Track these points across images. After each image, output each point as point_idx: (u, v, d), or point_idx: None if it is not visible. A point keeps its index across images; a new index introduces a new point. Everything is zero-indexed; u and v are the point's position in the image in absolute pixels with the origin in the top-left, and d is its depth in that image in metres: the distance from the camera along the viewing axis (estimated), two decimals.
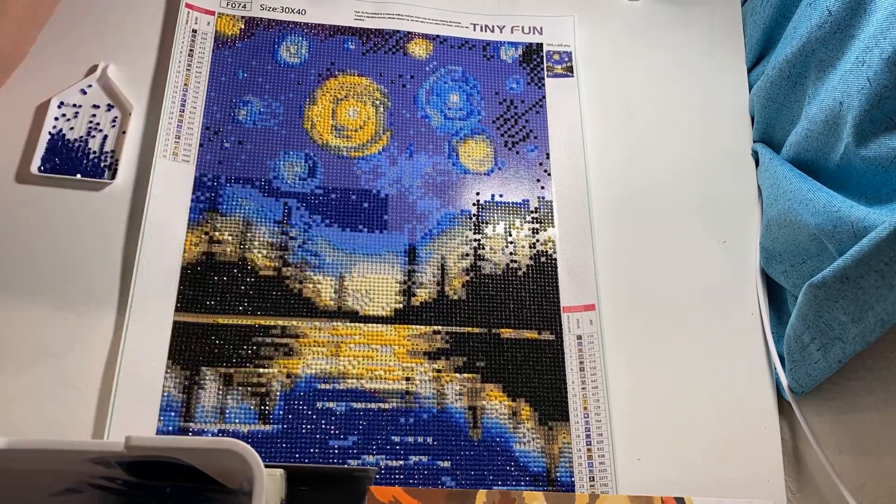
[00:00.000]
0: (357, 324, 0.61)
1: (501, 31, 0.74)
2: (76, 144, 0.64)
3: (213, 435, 0.56)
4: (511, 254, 0.65)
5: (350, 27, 0.72)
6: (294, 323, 0.61)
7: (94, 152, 0.64)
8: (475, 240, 0.66)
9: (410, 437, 0.58)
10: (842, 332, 0.53)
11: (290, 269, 0.62)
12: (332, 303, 0.62)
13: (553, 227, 0.66)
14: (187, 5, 0.69)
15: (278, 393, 0.58)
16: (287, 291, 0.62)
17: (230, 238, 0.63)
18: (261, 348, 0.60)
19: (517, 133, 0.70)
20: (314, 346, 0.60)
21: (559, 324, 0.63)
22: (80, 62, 0.67)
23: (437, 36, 0.73)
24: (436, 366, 0.61)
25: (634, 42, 0.75)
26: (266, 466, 0.39)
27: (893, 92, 0.50)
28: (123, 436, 0.39)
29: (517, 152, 0.69)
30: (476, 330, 0.62)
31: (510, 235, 0.66)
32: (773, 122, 0.68)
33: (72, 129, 0.64)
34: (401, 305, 0.62)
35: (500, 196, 0.67)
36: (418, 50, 0.72)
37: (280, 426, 0.58)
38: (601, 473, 0.58)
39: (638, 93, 0.73)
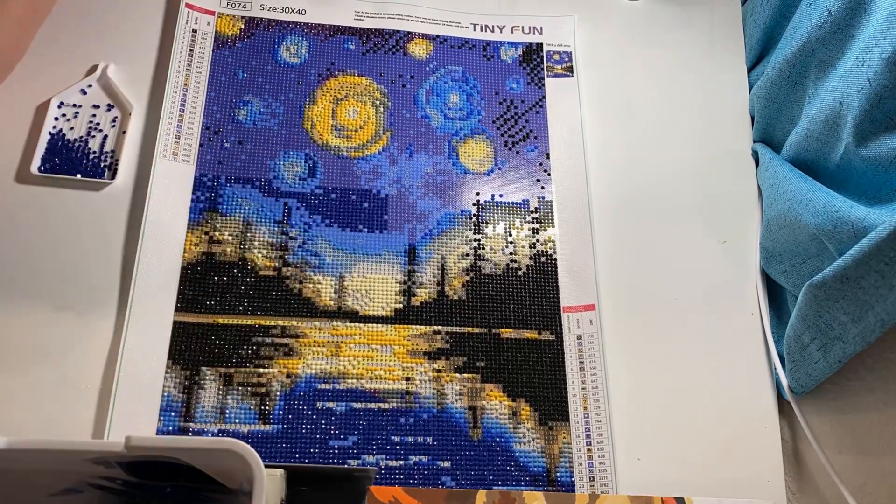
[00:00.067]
0: (357, 324, 0.61)
1: (501, 31, 0.74)
2: (76, 144, 0.64)
3: (213, 435, 0.56)
4: (511, 254, 0.65)
5: (350, 27, 0.72)
6: (294, 323, 0.61)
7: (94, 152, 0.64)
8: (475, 240, 0.66)
9: (410, 437, 0.58)
10: (842, 332, 0.53)
11: (290, 269, 0.62)
12: (332, 303, 0.62)
13: (553, 227, 0.66)
14: (187, 5, 0.69)
15: (278, 393, 0.58)
16: (287, 291, 0.62)
17: (230, 238, 0.63)
18: (261, 348, 0.60)
19: (517, 133, 0.70)
20: (314, 346, 0.60)
21: (559, 324, 0.63)
22: (80, 62, 0.67)
23: (437, 36, 0.73)
24: (436, 366, 0.61)
25: (634, 42, 0.75)
26: (266, 466, 0.39)
27: (893, 92, 0.50)
28: (123, 436, 0.39)
29: (517, 152, 0.69)
30: (476, 330, 0.62)
31: (510, 235, 0.66)
32: (773, 122, 0.68)
33: (72, 129, 0.64)
34: (401, 305, 0.62)
35: (500, 196, 0.67)
36: (418, 50, 0.72)
37: (280, 426, 0.58)
38: (601, 473, 0.58)
39: (638, 93, 0.73)
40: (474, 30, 0.74)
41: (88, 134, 0.64)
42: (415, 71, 0.71)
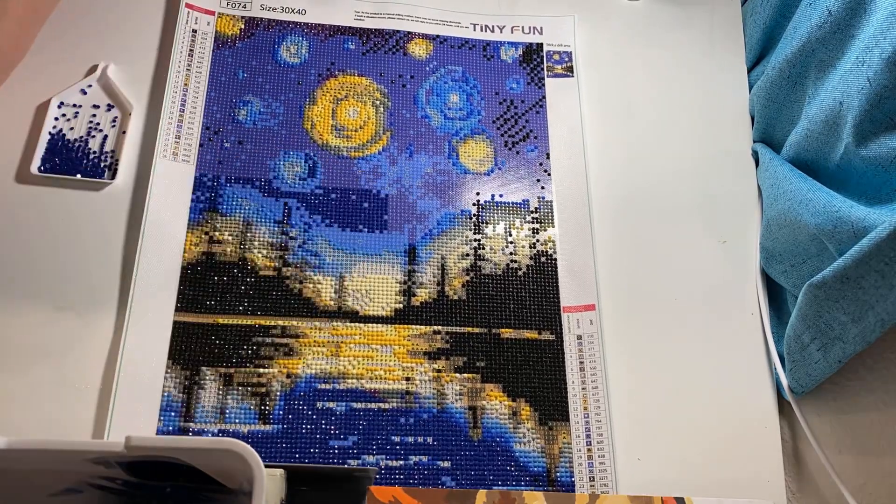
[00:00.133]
0: (357, 324, 0.61)
1: (501, 31, 0.74)
2: (76, 144, 0.64)
3: (213, 435, 0.56)
4: (511, 254, 0.65)
5: (350, 27, 0.72)
6: (294, 323, 0.61)
7: (94, 152, 0.64)
8: (475, 240, 0.66)
9: (410, 437, 0.58)
10: (842, 332, 0.53)
11: (290, 269, 0.62)
12: (332, 303, 0.62)
13: (553, 227, 0.66)
14: (187, 5, 0.69)
15: (278, 393, 0.58)
16: (287, 291, 0.62)
17: (230, 238, 0.63)
18: (261, 348, 0.60)
19: (517, 133, 0.70)
20: (314, 346, 0.60)
21: (559, 324, 0.63)
22: (80, 62, 0.67)
23: (437, 36, 0.73)
24: (436, 366, 0.61)
25: (634, 42, 0.75)
26: (266, 466, 0.39)
27: (893, 92, 0.50)
28: (123, 436, 0.39)
29: (517, 152, 0.69)
30: (476, 330, 0.62)
31: (510, 235, 0.66)
32: (773, 122, 0.68)
33: (72, 129, 0.64)
34: (401, 305, 0.62)
35: (500, 196, 0.67)
36: (418, 50, 0.72)
37: (280, 426, 0.58)
38: (601, 473, 0.58)
39: (638, 93, 0.73)
40: (474, 30, 0.74)
41: (88, 134, 0.64)
42: (415, 71, 0.71)
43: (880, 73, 0.50)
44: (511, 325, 0.63)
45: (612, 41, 0.75)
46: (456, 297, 0.63)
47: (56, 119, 0.64)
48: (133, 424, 0.55)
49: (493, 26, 0.74)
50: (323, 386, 0.59)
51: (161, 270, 0.60)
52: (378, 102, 0.70)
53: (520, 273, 0.65)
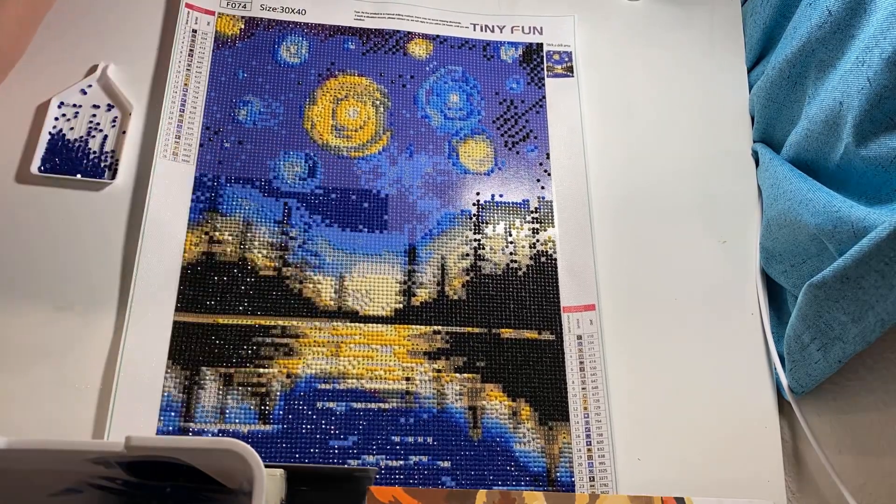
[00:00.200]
0: (357, 324, 0.61)
1: (501, 31, 0.74)
2: (76, 144, 0.64)
3: (213, 435, 0.56)
4: (511, 254, 0.65)
5: (350, 27, 0.72)
6: (294, 323, 0.61)
7: (94, 152, 0.64)
8: (475, 240, 0.66)
9: (410, 437, 0.58)
10: (842, 332, 0.53)
11: (290, 269, 0.62)
12: (332, 303, 0.62)
13: (553, 227, 0.66)
14: (187, 5, 0.69)
15: (278, 393, 0.58)
16: (287, 291, 0.62)
17: (230, 238, 0.63)
18: (261, 348, 0.60)
19: (517, 133, 0.70)
20: (314, 346, 0.60)
21: (559, 324, 0.63)
22: (80, 62, 0.67)
23: (437, 36, 0.73)
24: (436, 366, 0.61)
25: (634, 42, 0.75)
26: (266, 466, 0.39)
27: (893, 92, 0.50)
28: (123, 436, 0.39)
29: (517, 152, 0.69)
30: (476, 330, 0.62)
31: (510, 235, 0.66)
32: (773, 122, 0.68)
33: (72, 129, 0.64)
34: (401, 305, 0.62)
35: (500, 196, 0.67)
36: (418, 50, 0.72)
37: (280, 426, 0.58)
38: (601, 473, 0.58)
39: (638, 93, 0.73)
40: (474, 30, 0.74)
41: (88, 134, 0.64)
42: (415, 71, 0.71)
43: (880, 73, 0.50)
44: (511, 325, 0.63)
45: (612, 41, 0.75)
46: (456, 297, 0.63)
47: (56, 119, 0.64)
48: (133, 424, 0.55)
49: (493, 26, 0.74)
50: (323, 386, 0.59)
51: (161, 270, 0.60)
52: (378, 102, 0.70)
53: (520, 273, 0.65)
